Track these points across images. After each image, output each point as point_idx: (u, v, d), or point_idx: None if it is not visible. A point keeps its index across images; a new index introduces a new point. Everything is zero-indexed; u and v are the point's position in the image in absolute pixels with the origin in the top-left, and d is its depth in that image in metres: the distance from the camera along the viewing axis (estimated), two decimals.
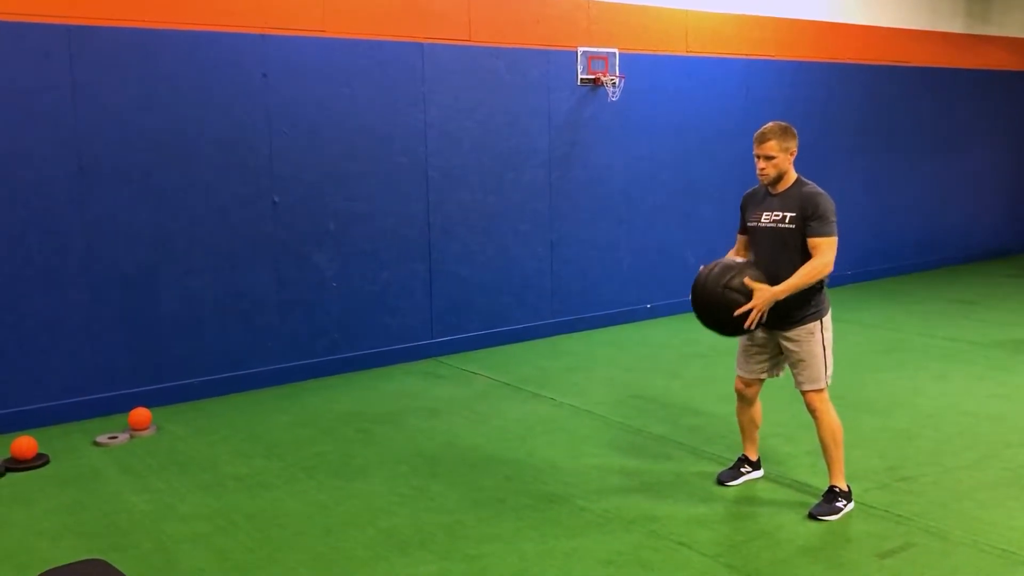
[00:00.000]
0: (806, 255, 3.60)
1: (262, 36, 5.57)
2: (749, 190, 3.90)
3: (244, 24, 5.51)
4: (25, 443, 4.42)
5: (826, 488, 3.77)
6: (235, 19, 5.47)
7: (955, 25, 9.95)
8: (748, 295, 3.53)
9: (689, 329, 7.25)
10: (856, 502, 3.79)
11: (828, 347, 3.71)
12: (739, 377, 3.98)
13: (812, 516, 3.65)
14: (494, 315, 6.80)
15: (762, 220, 3.72)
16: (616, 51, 7.11)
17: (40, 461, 4.45)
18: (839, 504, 3.69)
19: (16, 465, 4.38)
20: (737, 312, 3.51)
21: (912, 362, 6.10)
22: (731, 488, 3.99)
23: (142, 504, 3.95)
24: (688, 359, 6.28)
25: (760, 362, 3.88)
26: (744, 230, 3.88)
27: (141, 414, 4.91)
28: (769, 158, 3.63)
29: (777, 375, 3.95)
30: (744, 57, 8.04)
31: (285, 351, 5.85)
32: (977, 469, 4.15)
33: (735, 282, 3.54)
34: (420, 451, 4.57)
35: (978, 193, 10.59)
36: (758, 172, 3.70)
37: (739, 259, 3.73)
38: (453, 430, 4.89)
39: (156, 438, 4.84)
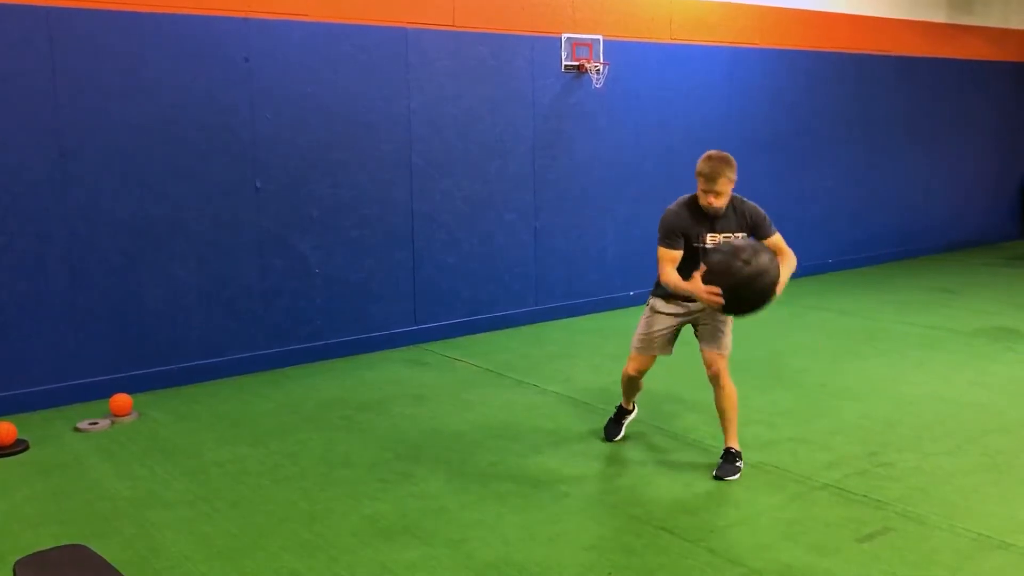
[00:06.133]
0: None
1: (244, 20, 5.52)
2: (677, 212, 3.94)
3: (226, 7, 5.46)
4: (4, 429, 4.39)
5: (724, 450, 4.07)
6: (217, 2, 5.42)
7: (938, 15, 10.01)
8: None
9: None
10: (836, 487, 3.83)
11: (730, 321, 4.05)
12: (643, 360, 4.19)
13: (719, 478, 3.95)
14: (478, 303, 6.80)
15: (708, 241, 3.88)
16: (600, 38, 7.10)
17: (20, 447, 4.42)
18: (739, 464, 4.02)
19: None
20: (777, 293, 3.63)
21: (893, 350, 6.16)
22: (711, 473, 4.01)
23: (124, 490, 3.94)
24: None
25: (669, 346, 4.19)
26: (679, 248, 3.92)
27: (122, 400, 4.88)
28: (720, 194, 3.83)
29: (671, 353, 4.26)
30: (729, 45, 8.06)
31: (268, 338, 5.83)
32: (956, 455, 4.20)
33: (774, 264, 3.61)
34: (404, 437, 4.57)
35: (958, 182, 10.67)
36: (708, 204, 3.86)
37: (764, 252, 3.64)
38: (437, 417, 4.90)
39: (138, 424, 4.81)
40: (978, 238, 11.07)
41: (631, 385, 4.36)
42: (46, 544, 3.32)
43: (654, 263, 7.26)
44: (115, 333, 5.28)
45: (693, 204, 3.93)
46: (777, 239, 3.94)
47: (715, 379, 4.02)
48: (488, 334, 6.76)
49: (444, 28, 6.36)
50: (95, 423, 4.75)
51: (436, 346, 6.43)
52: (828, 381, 5.43)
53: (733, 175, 3.84)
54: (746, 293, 3.56)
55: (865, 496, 3.75)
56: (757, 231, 3.92)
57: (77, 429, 4.71)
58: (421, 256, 6.45)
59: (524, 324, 7.02)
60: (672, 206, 3.99)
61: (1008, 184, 11.43)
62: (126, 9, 5.12)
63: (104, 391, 5.13)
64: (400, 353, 6.27)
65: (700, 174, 3.85)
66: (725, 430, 4.10)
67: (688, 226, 3.89)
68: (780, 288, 3.65)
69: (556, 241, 7.13)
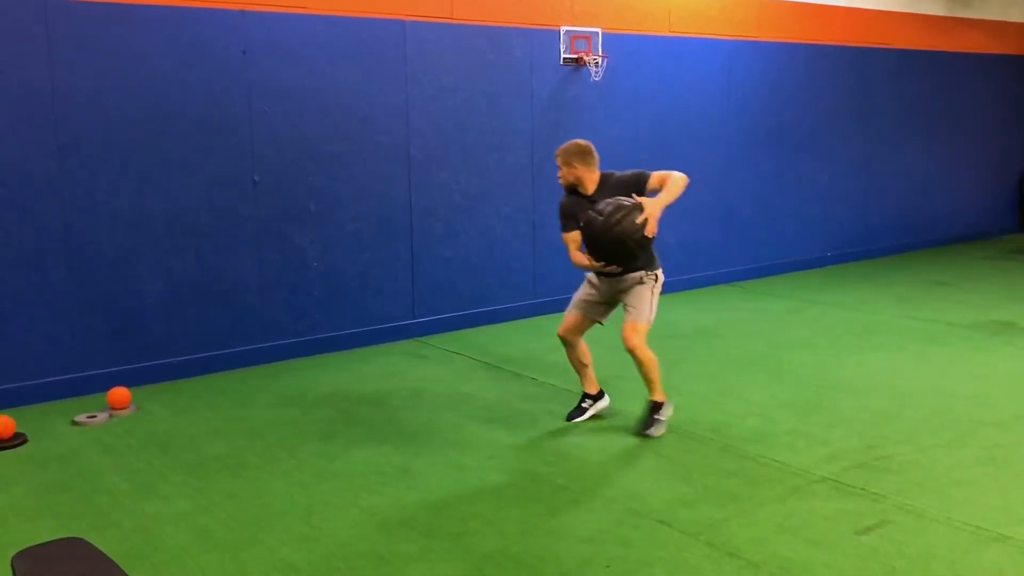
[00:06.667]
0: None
1: (242, 12, 5.50)
2: (564, 199, 4.45)
3: None
4: (2, 422, 4.39)
5: (648, 405, 4.41)
6: None
7: (936, 8, 9.99)
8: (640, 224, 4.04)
9: (668, 310, 7.27)
10: (834, 480, 3.84)
11: (654, 296, 4.37)
12: (568, 319, 4.57)
13: (641, 434, 4.33)
14: (476, 296, 6.80)
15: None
16: (599, 30, 7.08)
17: (18, 440, 4.42)
18: (658, 416, 4.39)
19: None
20: (638, 221, 4.00)
21: (891, 343, 6.16)
22: (710, 467, 4.01)
23: (122, 484, 3.93)
24: (666, 340, 6.30)
25: (595, 312, 4.55)
26: (572, 229, 4.38)
27: (120, 393, 4.88)
28: (559, 169, 4.39)
29: (602, 322, 4.65)
30: (727, 38, 8.04)
31: (266, 331, 5.83)
32: (953, 448, 4.21)
33: (631, 215, 4.03)
34: (402, 431, 4.57)
35: (957, 176, 10.67)
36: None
37: (621, 199, 4.13)
38: (435, 410, 4.90)
39: (136, 417, 4.81)
40: (977, 231, 11.07)
41: (569, 355, 4.67)
42: (44, 537, 3.31)
43: None
44: (113, 326, 5.27)
45: (573, 190, 4.41)
46: (657, 175, 4.22)
47: (631, 352, 4.34)
48: (486, 327, 6.76)
49: (442, 20, 6.34)
50: (93, 416, 4.75)
51: (434, 339, 6.43)
52: (826, 374, 5.43)
53: (568, 157, 4.34)
54: (605, 241, 4.05)
55: (863, 489, 3.75)
56: (639, 189, 4.21)
57: (75, 422, 4.71)
58: (419, 249, 6.44)
59: (522, 317, 7.01)
60: (562, 196, 4.48)
61: (1007, 177, 11.42)
62: (123, 1, 5.10)
63: (102, 384, 5.12)
64: (398, 346, 6.27)
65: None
66: (648, 388, 4.41)
67: (573, 209, 4.35)
68: (655, 211, 4.02)
69: (554, 234, 7.07)
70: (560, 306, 7.22)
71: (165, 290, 5.42)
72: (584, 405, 4.69)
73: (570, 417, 4.67)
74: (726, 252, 8.36)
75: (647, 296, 4.33)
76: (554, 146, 7.01)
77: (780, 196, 8.73)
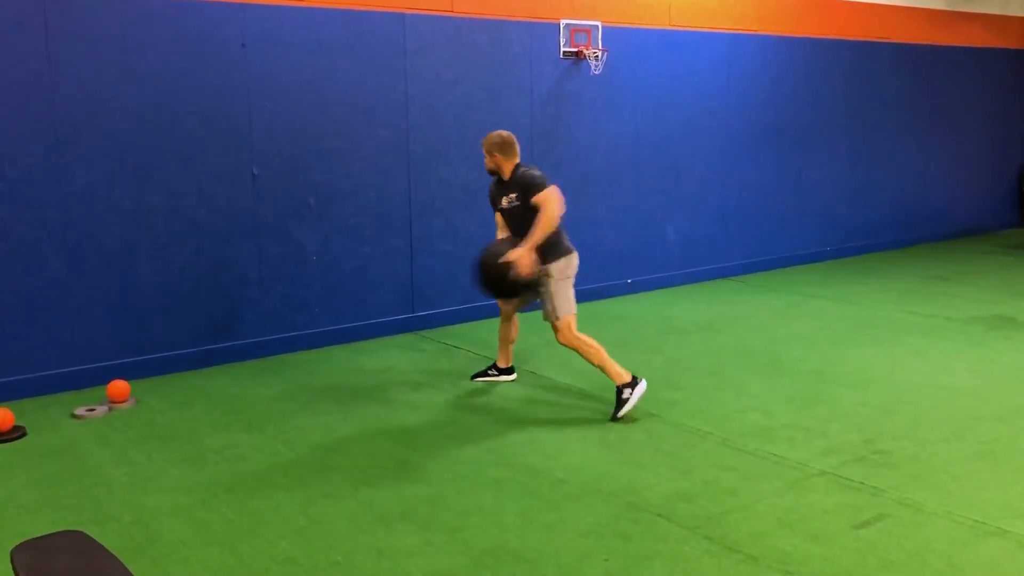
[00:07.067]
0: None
1: (241, 5, 5.49)
2: (491, 185, 4.93)
3: None
4: (2, 415, 4.39)
5: (614, 391, 4.60)
6: None
7: (936, 2, 9.97)
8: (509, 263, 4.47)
9: (669, 305, 7.29)
10: (833, 474, 3.84)
11: (561, 287, 4.67)
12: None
13: (613, 419, 4.51)
14: (475, 290, 6.77)
15: (502, 203, 4.78)
16: (599, 24, 7.07)
17: (17, 433, 4.42)
18: (624, 396, 4.56)
19: None
20: (504, 264, 4.43)
21: (890, 338, 6.16)
22: (709, 461, 4.02)
23: (121, 477, 3.94)
24: (667, 334, 6.31)
25: (528, 295, 4.91)
26: (496, 212, 4.91)
27: (120, 386, 4.88)
28: (485, 157, 4.84)
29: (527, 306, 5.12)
30: (727, 31, 8.02)
31: (265, 325, 5.83)
32: (952, 442, 4.21)
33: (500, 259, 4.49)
34: (401, 424, 4.57)
35: (957, 170, 10.66)
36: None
37: (500, 239, 4.79)
38: (434, 404, 4.90)
39: (135, 411, 4.81)
40: (976, 226, 11.07)
41: (500, 326, 5.26)
42: (43, 530, 3.31)
43: (651, 251, 7.45)
44: (112, 320, 5.27)
45: (496, 176, 4.87)
46: (539, 198, 4.57)
47: (567, 347, 4.70)
48: (485, 321, 6.75)
49: (442, 14, 6.33)
50: (92, 410, 4.75)
51: (433, 333, 6.43)
52: (825, 369, 5.44)
53: (490, 147, 4.78)
54: (483, 278, 4.61)
55: (862, 483, 3.75)
56: (527, 193, 4.62)
57: (74, 416, 4.71)
58: (418, 244, 6.44)
59: (521, 312, 6.99)
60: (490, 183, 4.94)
61: (1007, 172, 11.42)
62: None
63: (101, 378, 5.12)
64: (397, 340, 6.27)
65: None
66: (608, 376, 4.62)
67: (494, 194, 4.89)
68: (524, 258, 4.45)
69: None
70: None
71: (164, 283, 5.42)
72: (491, 372, 5.30)
73: (474, 376, 5.30)
74: (725, 246, 8.36)
75: (549, 296, 4.66)
76: (554, 140, 7.10)
77: (779, 190, 8.73)
